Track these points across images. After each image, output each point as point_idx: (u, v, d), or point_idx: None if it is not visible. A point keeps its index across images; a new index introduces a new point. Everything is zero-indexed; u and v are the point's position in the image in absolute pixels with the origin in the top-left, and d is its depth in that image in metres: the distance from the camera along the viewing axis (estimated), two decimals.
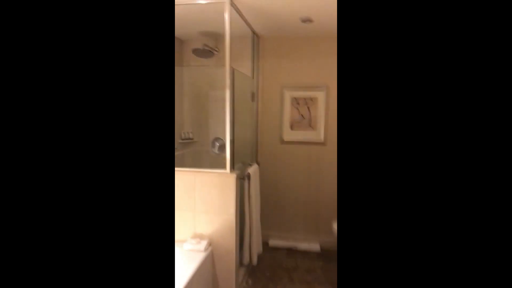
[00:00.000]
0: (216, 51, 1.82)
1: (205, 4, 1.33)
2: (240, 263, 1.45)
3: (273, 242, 1.93)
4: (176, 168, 1.35)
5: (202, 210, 1.35)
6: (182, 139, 1.93)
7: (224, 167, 1.31)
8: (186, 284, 1.04)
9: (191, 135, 1.97)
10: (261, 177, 1.72)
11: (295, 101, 1.87)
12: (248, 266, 1.57)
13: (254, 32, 1.74)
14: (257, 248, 1.59)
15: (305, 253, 1.85)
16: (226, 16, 1.26)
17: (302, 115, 1.87)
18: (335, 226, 1.61)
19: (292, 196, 1.95)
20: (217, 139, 1.90)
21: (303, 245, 1.90)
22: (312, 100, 1.84)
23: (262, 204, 1.74)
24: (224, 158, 1.31)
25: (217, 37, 1.82)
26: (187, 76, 1.98)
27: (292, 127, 1.89)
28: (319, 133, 1.86)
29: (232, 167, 1.33)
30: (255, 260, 1.57)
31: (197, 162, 2.02)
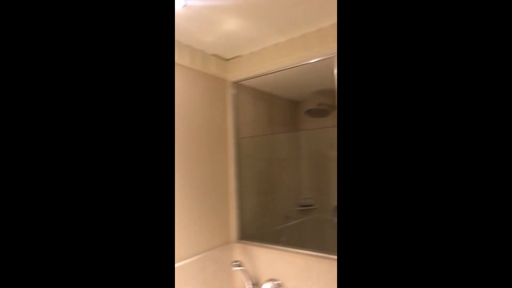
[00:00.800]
0: (332, 108, 1.69)
1: (315, 62, 1.29)
2: None
3: None
4: (290, 248, 1.18)
5: None
6: (301, 206, 1.77)
7: None
8: None
9: (310, 201, 1.79)
10: None
11: None
12: None
13: None
14: None
15: None
16: (335, 71, 1.15)
17: None
18: None
19: None
20: None
21: None
22: None
23: None
24: None
25: (331, 94, 1.70)
26: (304, 139, 1.90)
27: None
28: None
29: None
30: None
31: (318, 234, 1.78)
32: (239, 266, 1.45)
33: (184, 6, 1.08)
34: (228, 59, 1.68)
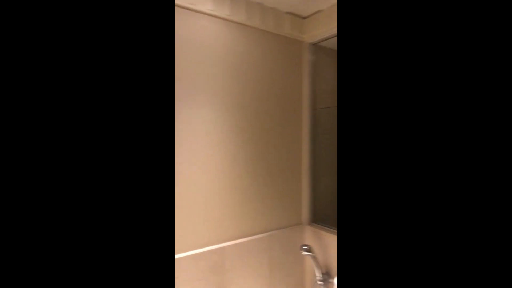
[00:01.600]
0: None
1: None
2: None
3: None
4: None
5: None
6: None
7: None
8: None
9: None
10: None
11: None
12: None
13: None
14: None
15: None
16: None
17: None
18: None
19: None
20: None
21: None
22: None
23: None
24: None
25: None
26: None
27: None
28: None
29: None
30: None
31: None
32: (309, 251, 1.31)
33: None
34: (306, 17, 1.45)
